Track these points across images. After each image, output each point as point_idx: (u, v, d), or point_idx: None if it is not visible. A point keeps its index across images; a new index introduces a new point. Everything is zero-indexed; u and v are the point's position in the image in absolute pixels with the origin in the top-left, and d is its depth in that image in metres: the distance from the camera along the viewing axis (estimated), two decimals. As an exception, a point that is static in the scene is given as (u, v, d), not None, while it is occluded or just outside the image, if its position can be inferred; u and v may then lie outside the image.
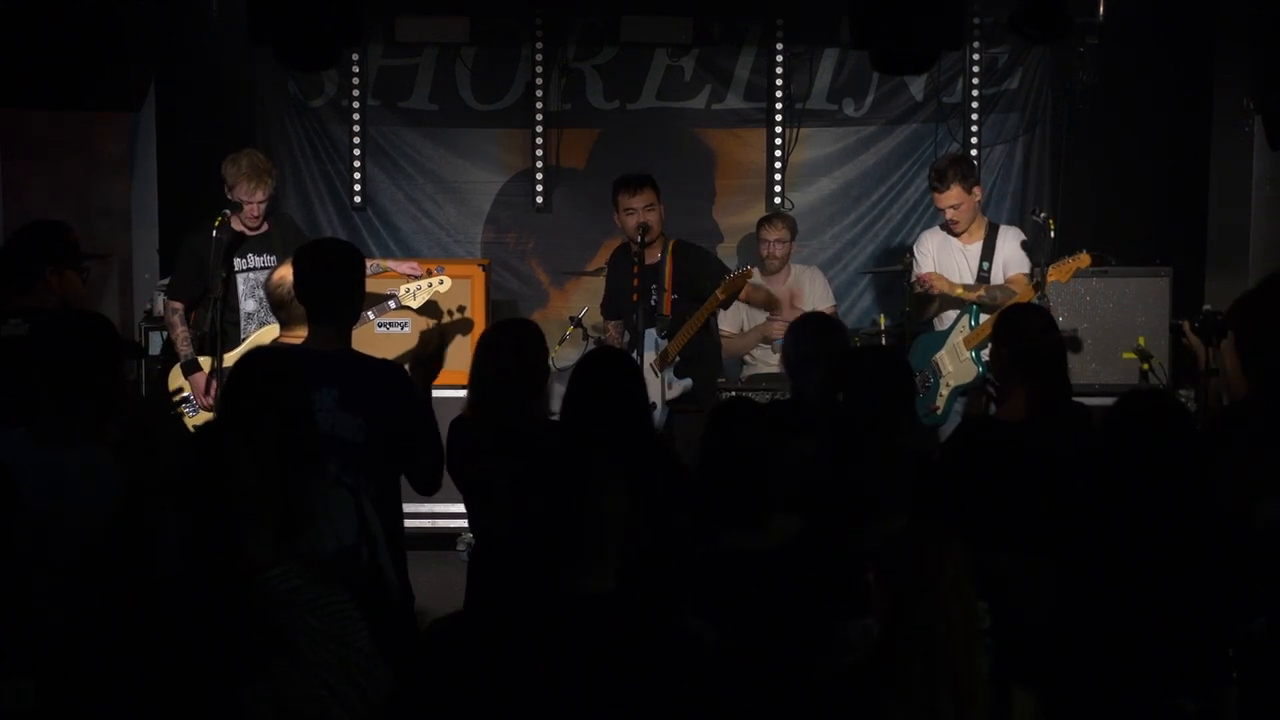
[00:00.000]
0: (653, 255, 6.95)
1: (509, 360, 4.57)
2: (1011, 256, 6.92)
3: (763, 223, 8.12)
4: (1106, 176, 8.75)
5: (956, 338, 6.91)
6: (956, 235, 6.99)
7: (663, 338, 6.82)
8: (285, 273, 4.95)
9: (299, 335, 4.82)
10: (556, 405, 4.70)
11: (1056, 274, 6.72)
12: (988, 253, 6.93)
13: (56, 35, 7.01)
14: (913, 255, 7.18)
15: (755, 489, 3.74)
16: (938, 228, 7.15)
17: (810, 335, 4.99)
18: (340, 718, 3.24)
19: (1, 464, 3.40)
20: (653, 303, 6.87)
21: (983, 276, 6.91)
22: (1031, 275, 6.75)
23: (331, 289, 4.55)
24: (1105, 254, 8.01)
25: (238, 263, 6.73)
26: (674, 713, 2.91)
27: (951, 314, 6.99)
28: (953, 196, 6.86)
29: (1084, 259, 6.73)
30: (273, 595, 3.23)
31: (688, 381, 6.83)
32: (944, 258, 7.04)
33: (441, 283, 6.96)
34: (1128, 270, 7.87)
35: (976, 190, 6.97)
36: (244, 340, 6.58)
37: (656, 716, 2.91)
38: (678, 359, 6.83)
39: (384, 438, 4.42)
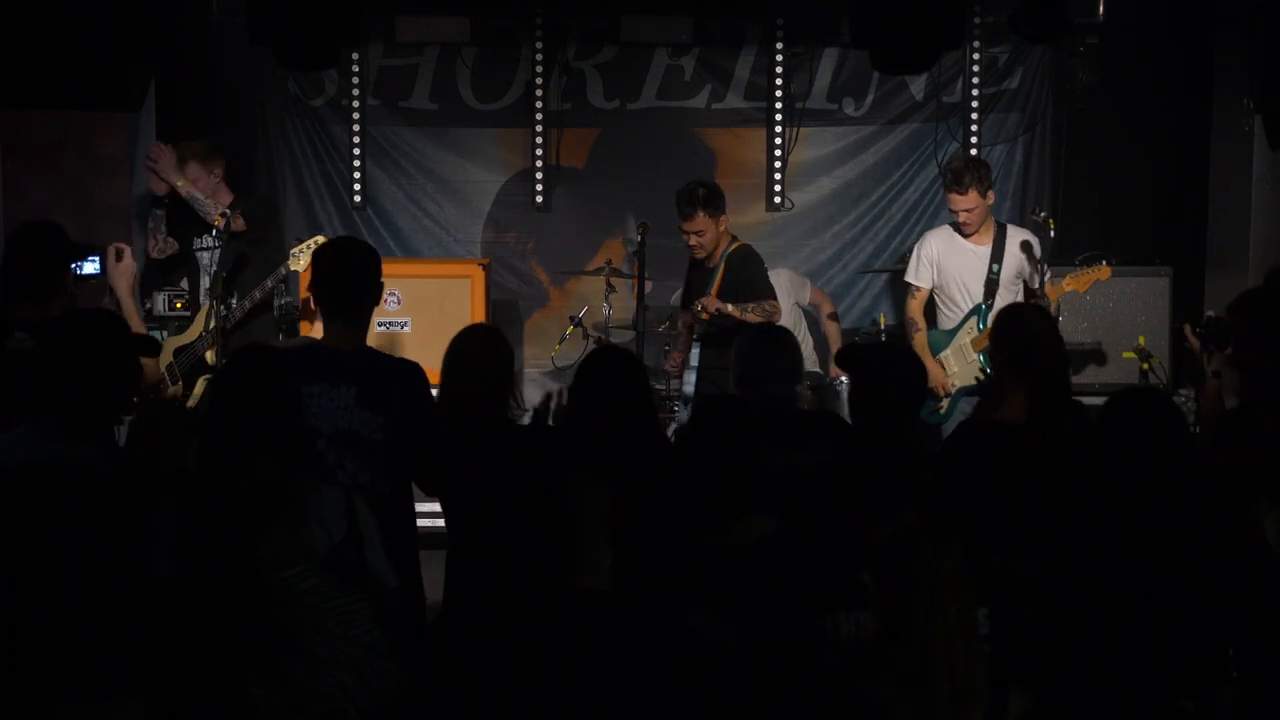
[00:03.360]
0: (713, 259, 6.95)
1: (475, 367, 4.57)
2: (1026, 264, 6.89)
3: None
4: (1106, 176, 8.76)
5: (964, 338, 6.89)
6: (966, 236, 6.97)
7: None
8: None
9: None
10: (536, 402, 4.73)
11: (1074, 284, 6.75)
12: (997, 254, 6.89)
13: (56, 35, 7.00)
14: (913, 254, 7.17)
15: (728, 488, 3.74)
16: (947, 227, 7.12)
17: (748, 355, 4.98)
18: (353, 716, 3.25)
19: (57, 466, 3.38)
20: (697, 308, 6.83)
21: (992, 278, 6.87)
22: (1032, 276, 6.76)
23: (348, 287, 4.57)
24: (1105, 254, 8.03)
25: (195, 241, 6.81)
26: (669, 708, 2.92)
27: (959, 314, 6.98)
28: (970, 200, 6.83)
29: (1105, 271, 6.75)
30: (289, 595, 3.24)
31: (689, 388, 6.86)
32: (952, 258, 7.01)
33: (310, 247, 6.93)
34: (1128, 270, 7.88)
35: (991, 194, 6.94)
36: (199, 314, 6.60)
37: (651, 712, 2.91)
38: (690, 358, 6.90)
39: (400, 436, 4.44)
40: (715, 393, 6.67)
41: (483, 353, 4.60)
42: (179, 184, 6.81)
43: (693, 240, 6.86)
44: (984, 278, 6.91)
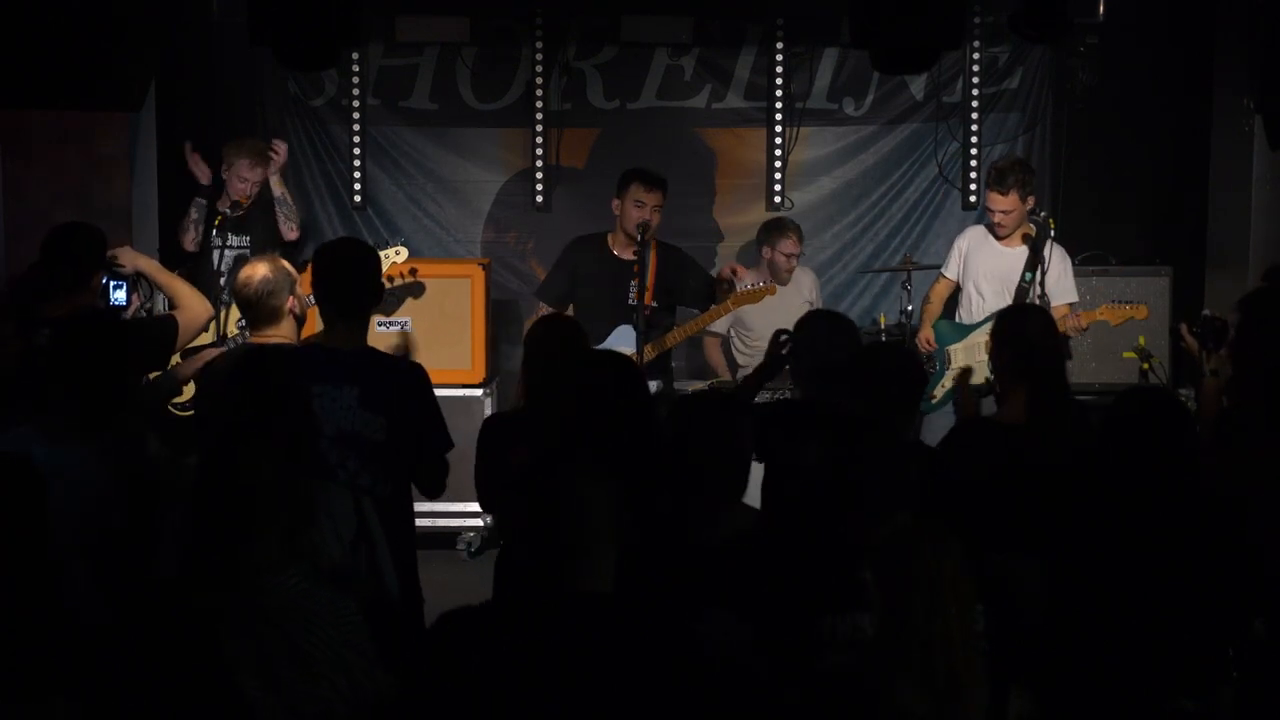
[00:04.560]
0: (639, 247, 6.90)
1: (551, 355, 4.64)
2: (1058, 284, 6.88)
3: (778, 234, 7.93)
4: (1106, 176, 8.76)
5: (979, 338, 6.87)
6: (999, 238, 6.99)
7: (640, 332, 6.71)
8: (253, 271, 4.88)
9: (267, 335, 4.83)
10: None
11: (1109, 314, 6.76)
12: (1031, 263, 6.89)
13: (56, 35, 7.01)
14: (951, 247, 7.25)
15: (711, 482, 3.75)
16: (983, 226, 7.17)
17: (819, 328, 5.01)
18: (344, 716, 3.25)
19: (23, 458, 3.39)
20: (631, 300, 6.77)
21: (1023, 287, 6.87)
22: (1029, 275, 6.77)
23: (351, 287, 4.57)
24: (1105, 254, 8.03)
25: (214, 238, 6.83)
26: (672, 711, 2.92)
27: (972, 310, 7.01)
28: (1010, 202, 6.86)
29: (1142, 311, 6.75)
30: (282, 598, 3.24)
31: (658, 383, 6.80)
32: (978, 254, 7.04)
33: (398, 253, 7.12)
34: (1128, 270, 7.89)
35: (1030, 200, 6.96)
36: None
37: (654, 714, 2.91)
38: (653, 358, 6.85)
39: (402, 437, 4.44)
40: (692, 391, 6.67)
41: (561, 343, 4.68)
42: (275, 182, 6.93)
43: (648, 215, 6.77)
44: (1003, 279, 6.91)
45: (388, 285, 7.25)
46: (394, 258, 7.09)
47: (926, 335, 7.11)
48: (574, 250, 7.19)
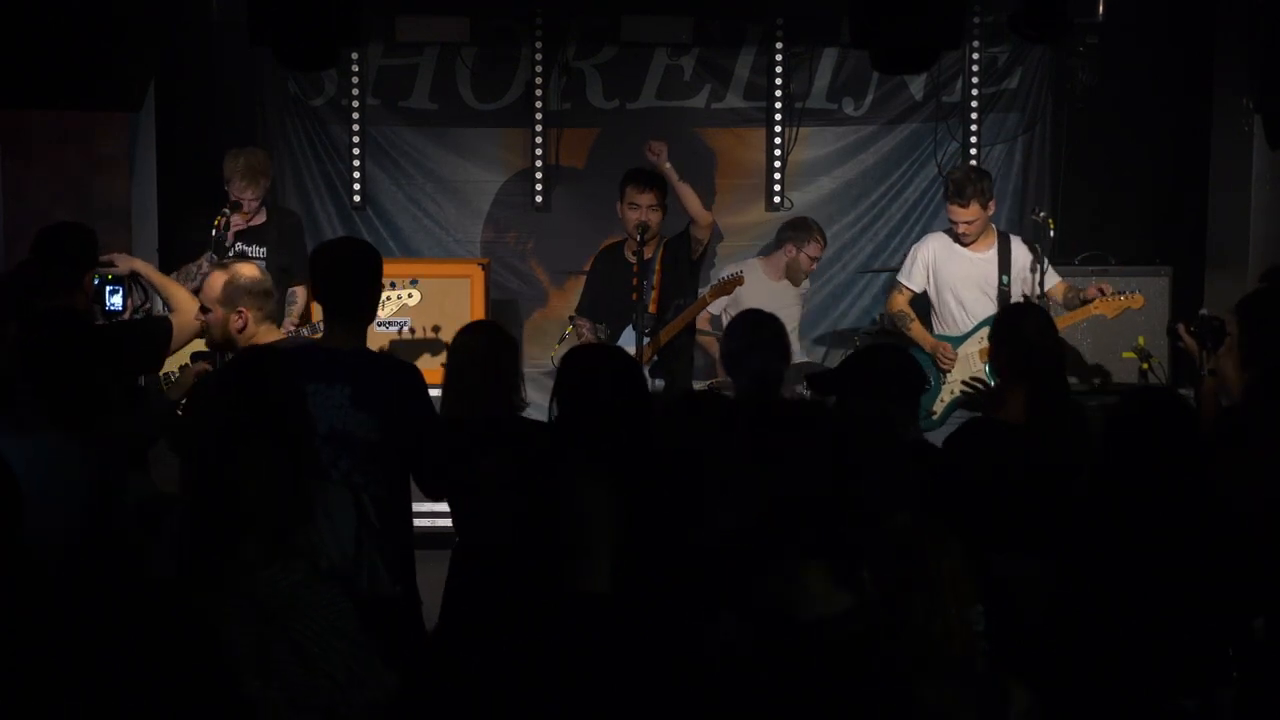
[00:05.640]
0: (648, 252, 6.95)
1: (481, 361, 4.57)
2: (1047, 275, 6.89)
3: (806, 236, 7.99)
4: (1106, 176, 8.76)
5: (972, 347, 6.86)
6: (964, 245, 6.98)
7: (645, 335, 6.76)
8: (251, 267, 5.06)
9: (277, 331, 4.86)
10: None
11: (1104, 308, 6.76)
12: (1004, 265, 6.89)
13: (56, 35, 7.00)
14: (909, 254, 7.19)
15: (698, 482, 3.74)
16: (943, 234, 7.13)
17: (745, 330, 5.03)
18: (345, 712, 3.25)
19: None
20: (632, 300, 6.82)
21: (1003, 290, 6.87)
22: (1005, 278, 6.79)
23: (350, 288, 4.56)
24: (1105, 254, 8.03)
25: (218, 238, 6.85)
26: (670, 712, 2.92)
27: (954, 320, 6.98)
28: (971, 213, 6.85)
29: (1137, 300, 6.77)
30: (273, 591, 3.24)
31: (659, 382, 6.80)
32: (948, 264, 7.01)
33: (410, 296, 6.98)
34: (1128, 270, 7.89)
35: (991, 205, 6.96)
36: None
37: (653, 716, 2.91)
38: (656, 357, 6.84)
39: (396, 437, 4.43)
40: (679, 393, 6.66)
41: (484, 348, 4.61)
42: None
43: (644, 215, 6.83)
44: (982, 286, 6.91)
45: (408, 336, 7.23)
46: (406, 300, 6.96)
47: (946, 348, 6.93)
48: (597, 260, 7.34)
